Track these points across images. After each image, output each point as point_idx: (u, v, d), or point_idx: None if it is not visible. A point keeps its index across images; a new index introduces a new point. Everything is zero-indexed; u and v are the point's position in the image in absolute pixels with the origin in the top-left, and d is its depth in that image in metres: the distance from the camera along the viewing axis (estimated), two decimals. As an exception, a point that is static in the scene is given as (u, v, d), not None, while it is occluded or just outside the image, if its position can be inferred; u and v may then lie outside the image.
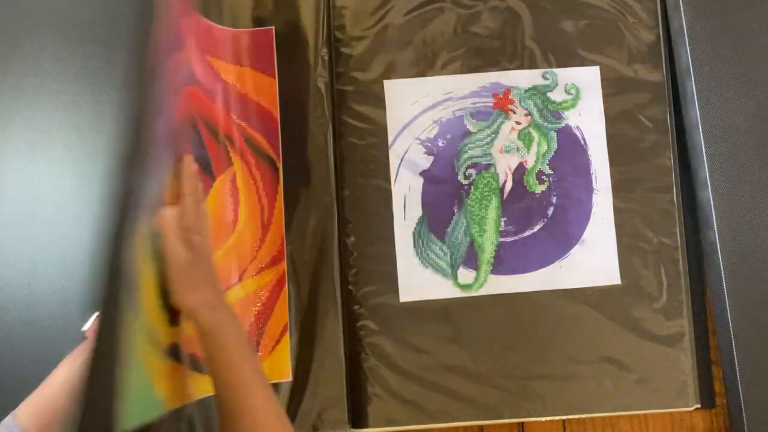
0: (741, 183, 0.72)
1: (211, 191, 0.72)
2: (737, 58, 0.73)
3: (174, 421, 0.67)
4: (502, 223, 0.74)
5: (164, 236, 0.50)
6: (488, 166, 0.75)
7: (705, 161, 0.72)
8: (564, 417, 0.73)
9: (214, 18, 0.74)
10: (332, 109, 0.75)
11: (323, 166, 0.74)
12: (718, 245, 0.72)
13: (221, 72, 0.74)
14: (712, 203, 0.72)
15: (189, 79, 0.67)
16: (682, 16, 0.74)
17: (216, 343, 0.51)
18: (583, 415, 0.72)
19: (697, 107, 0.73)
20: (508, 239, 0.74)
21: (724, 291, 0.71)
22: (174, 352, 0.53)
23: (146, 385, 0.47)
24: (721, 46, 0.73)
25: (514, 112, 0.75)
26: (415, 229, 0.73)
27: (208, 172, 0.72)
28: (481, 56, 0.76)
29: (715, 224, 0.72)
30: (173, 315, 0.52)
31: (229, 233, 0.72)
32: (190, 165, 0.56)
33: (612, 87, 0.75)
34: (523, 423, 0.74)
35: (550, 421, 0.73)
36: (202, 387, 0.58)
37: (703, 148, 0.73)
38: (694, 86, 0.73)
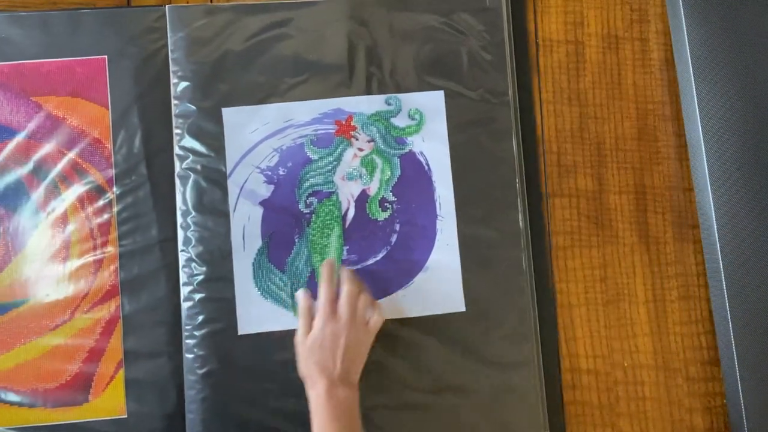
0: (741, 183, 0.72)
1: (37, 231, 0.71)
2: (737, 58, 0.74)
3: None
4: (345, 252, 0.73)
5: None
6: (330, 194, 0.73)
7: (705, 161, 0.73)
8: (406, 449, 0.72)
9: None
10: (171, 138, 0.73)
11: (161, 198, 0.73)
12: (718, 245, 0.72)
13: (52, 108, 0.72)
14: (712, 203, 0.72)
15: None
16: (683, 16, 0.74)
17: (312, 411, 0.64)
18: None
19: (696, 107, 0.73)
20: (350, 268, 0.73)
21: (724, 291, 0.72)
22: None
23: None
24: (721, 46, 0.74)
25: (357, 139, 0.74)
26: (254, 260, 0.72)
27: (32, 215, 0.72)
28: (323, 82, 0.74)
29: (715, 224, 0.72)
30: None
31: (60, 270, 0.71)
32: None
33: (456, 111, 0.75)
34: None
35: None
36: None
37: (703, 148, 0.73)
38: (694, 86, 0.74)
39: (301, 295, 0.69)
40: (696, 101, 0.74)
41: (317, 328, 0.67)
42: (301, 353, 0.67)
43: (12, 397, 0.69)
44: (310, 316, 0.67)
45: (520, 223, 0.74)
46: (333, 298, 0.68)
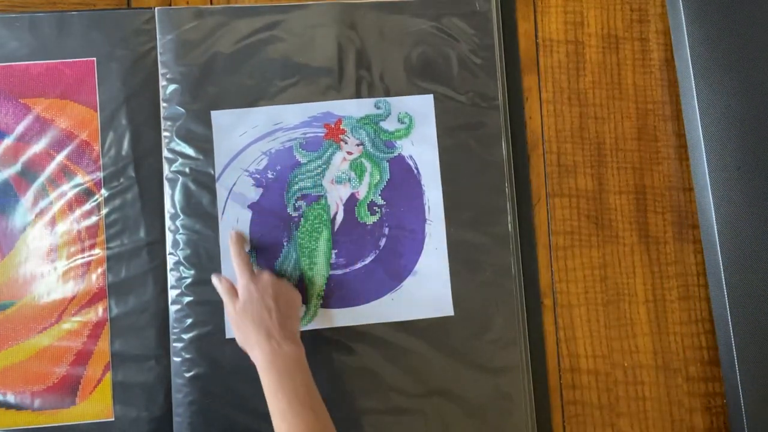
0: (741, 183, 0.72)
1: (25, 233, 0.71)
2: (737, 58, 0.74)
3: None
4: (333, 256, 0.73)
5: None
6: (319, 198, 0.73)
7: (705, 161, 0.73)
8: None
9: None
10: (159, 141, 0.73)
11: (149, 201, 0.73)
12: (718, 245, 0.72)
13: (40, 110, 0.72)
14: (712, 203, 0.73)
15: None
16: (683, 16, 0.75)
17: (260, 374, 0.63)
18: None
19: (696, 107, 0.74)
20: (339, 272, 0.72)
21: (724, 291, 0.72)
22: None
23: None
24: (721, 46, 0.74)
25: (346, 142, 0.74)
26: (243, 263, 0.72)
27: (21, 217, 0.71)
28: (313, 85, 0.74)
29: (715, 224, 0.72)
30: None
31: (48, 272, 0.71)
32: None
33: (446, 115, 0.75)
34: (356, 457, 0.73)
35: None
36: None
37: (703, 148, 0.73)
38: (694, 86, 0.74)
39: (217, 277, 0.69)
40: (696, 101, 0.74)
41: (243, 288, 0.66)
42: (235, 320, 0.66)
43: (-1, 399, 0.70)
44: (234, 293, 0.67)
45: (509, 228, 0.74)
46: (250, 263, 0.69)
